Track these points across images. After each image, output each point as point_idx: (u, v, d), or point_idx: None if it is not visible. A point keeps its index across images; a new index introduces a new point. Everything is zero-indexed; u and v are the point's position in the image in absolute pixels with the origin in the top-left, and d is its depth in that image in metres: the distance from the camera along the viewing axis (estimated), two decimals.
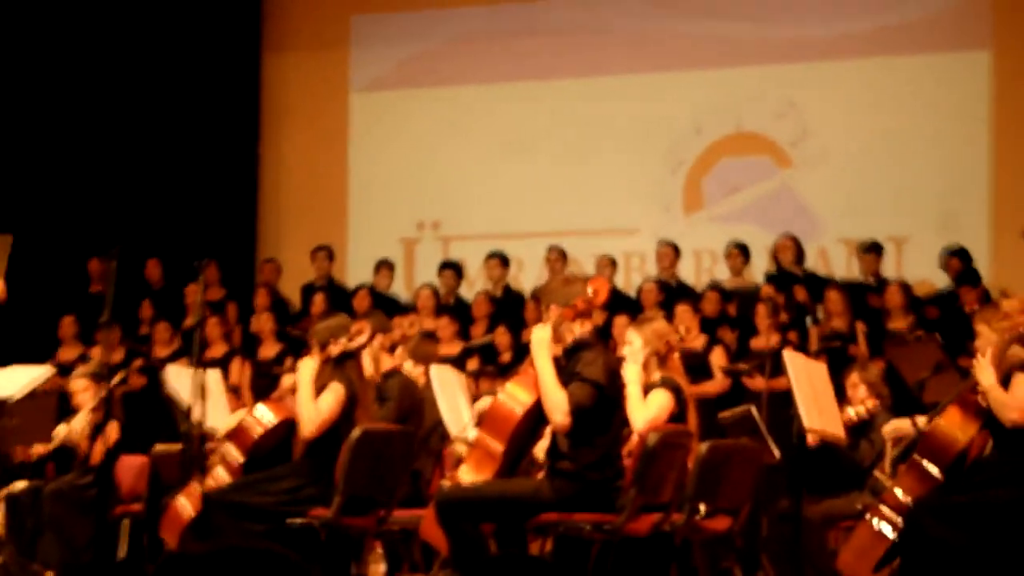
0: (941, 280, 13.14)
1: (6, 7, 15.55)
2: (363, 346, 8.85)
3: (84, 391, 11.01)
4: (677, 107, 14.95)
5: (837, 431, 8.50)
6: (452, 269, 14.60)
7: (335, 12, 15.94)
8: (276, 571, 1.63)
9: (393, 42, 15.89)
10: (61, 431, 11.28)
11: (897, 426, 8.21)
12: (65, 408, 11.54)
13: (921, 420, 8.11)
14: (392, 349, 9.82)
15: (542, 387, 7.67)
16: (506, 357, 12.66)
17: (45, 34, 15.71)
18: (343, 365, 8.53)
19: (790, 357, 8.32)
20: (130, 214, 14.86)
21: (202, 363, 9.43)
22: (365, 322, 9.25)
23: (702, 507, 7.78)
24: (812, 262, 13.97)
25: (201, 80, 15.70)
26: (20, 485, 10.88)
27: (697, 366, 11.83)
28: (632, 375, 7.99)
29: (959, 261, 13.08)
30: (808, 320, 12.47)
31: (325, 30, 16.02)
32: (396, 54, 15.90)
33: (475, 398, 10.01)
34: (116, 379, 11.84)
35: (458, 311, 13.85)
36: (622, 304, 12.93)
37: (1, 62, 15.72)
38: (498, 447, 8.03)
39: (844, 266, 14.00)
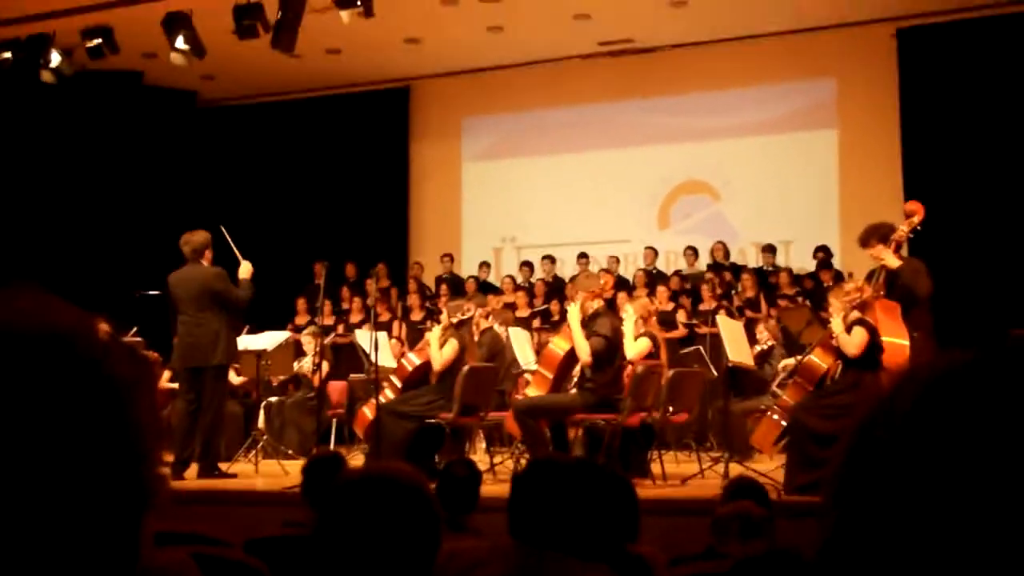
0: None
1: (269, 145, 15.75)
2: (471, 317, 8.90)
3: (310, 342, 11.12)
4: (654, 166, 14.83)
5: (748, 361, 8.50)
6: (524, 266, 14.61)
7: (453, 115, 15.92)
8: (408, 493, 1.66)
9: (486, 133, 15.88)
10: (295, 366, 11.42)
11: (786, 363, 8.20)
12: (298, 352, 11.70)
13: (798, 358, 8.09)
14: (487, 316, 9.88)
15: (574, 339, 7.70)
16: (555, 318, 12.68)
17: (289, 142, 15.90)
18: (460, 327, 8.60)
19: (720, 319, 8.33)
20: (337, 238, 14.96)
21: (377, 326, 9.51)
22: (471, 302, 9.30)
23: (671, 408, 7.80)
24: (734, 257, 13.86)
25: (376, 157, 15.77)
26: (273, 398, 11.01)
27: (668, 321, 11.81)
28: (627, 329, 8.03)
29: (823, 253, 13.04)
30: (732, 292, 12.43)
31: (447, 125, 16.02)
32: (488, 139, 15.88)
33: (537, 345, 10.03)
34: (330, 336, 12.03)
35: (527, 291, 13.87)
36: (622, 285, 12.92)
37: (267, 169, 15.95)
38: (549, 375, 8.07)
39: (753, 259, 13.90)
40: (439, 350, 8.30)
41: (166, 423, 8.47)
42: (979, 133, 12.26)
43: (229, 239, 8.46)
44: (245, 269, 8.35)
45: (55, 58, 12.11)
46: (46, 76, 12.25)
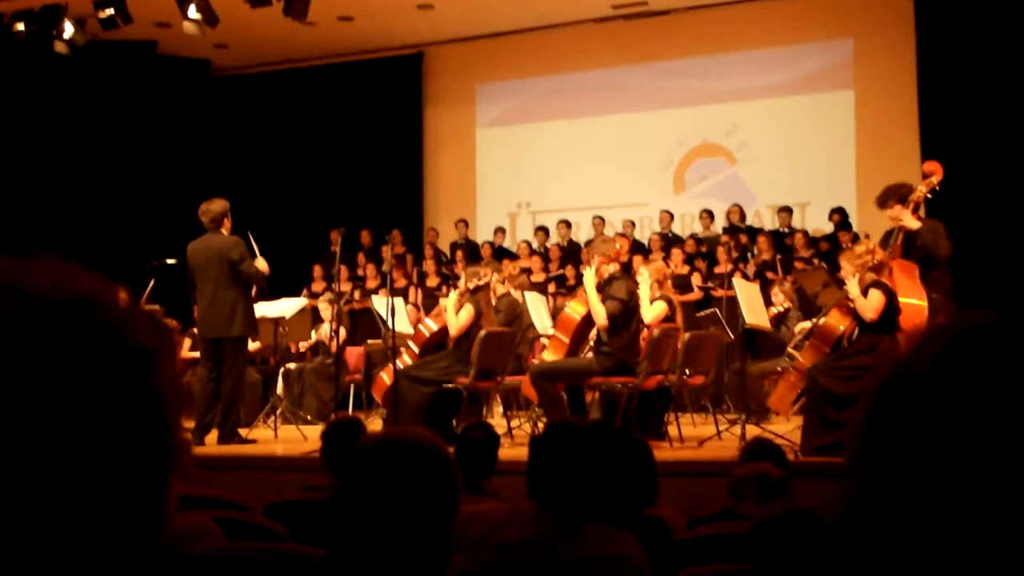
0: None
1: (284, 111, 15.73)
2: (488, 283, 8.90)
3: (326, 309, 11.16)
4: (669, 130, 14.77)
5: (764, 323, 8.48)
6: (539, 231, 14.59)
7: (467, 82, 15.87)
8: (427, 455, 1.67)
9: (500, 98, 15.82)
10: (314, 333, 11.46)
11: (802, 325, 8.18)
12: (316, 319, 11.73)
13: (814, 320, 8.06)
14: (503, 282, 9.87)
15: (590, 303, 7.71)
16: (571, 283, 12.67)
17: (303, 110, 15.87)
18: (475, 293, 8.59)
19: (736, 281, 8.29)
20: (352, 206, 14.98)
21: (393, 292, 9.52)
22: (487, 268, 9.29)
23: (688, 371, 7.81)
24: (750, 220, 13.83)
25: (390, 123, 15.75)
26: (292, 365, 11.06)
27: (684, 284, 11.80)
28: (643, 292, 8.01)
29: (839, 215, 12.98)
30: (748, 255, 12.39)
31: (461, 91, 15.97)
32: (502, 105, 15.82)
33: (553, 309, 10.02)
34: (343, 300, 12.05)
35: (542, 256, 13.87)
36: (638, 249, 12.90)
37: (281, 137, 15.92)
38: (565, 339, 8.09)
39: (769, 222, 13.86)
40: (455, 315, 8.32)
41: (187, 390, 8.52)
42: (997, 93, 12.16)
43: (253, 242, 8.45)
44: (261, 262, 8.35)
45: (68, 29, 12.10)
46: (60, 47, 12.25)
